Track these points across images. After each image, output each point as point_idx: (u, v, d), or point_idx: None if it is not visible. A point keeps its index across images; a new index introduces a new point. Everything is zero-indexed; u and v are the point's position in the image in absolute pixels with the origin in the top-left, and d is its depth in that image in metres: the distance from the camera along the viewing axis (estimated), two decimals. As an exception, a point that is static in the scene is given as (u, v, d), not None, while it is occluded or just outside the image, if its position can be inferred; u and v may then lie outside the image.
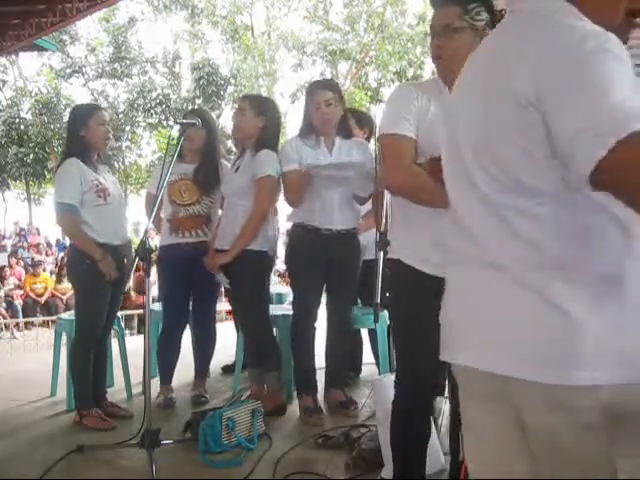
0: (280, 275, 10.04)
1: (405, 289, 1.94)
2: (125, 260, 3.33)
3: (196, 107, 16.96)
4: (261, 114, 3.33)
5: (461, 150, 1.11)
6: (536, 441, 1.04)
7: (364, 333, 4.00)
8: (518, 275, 1.01)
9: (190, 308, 3.66)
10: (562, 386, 0.96)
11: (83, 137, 3.21)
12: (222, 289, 4.13)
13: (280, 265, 8.01)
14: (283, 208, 3.72)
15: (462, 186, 1.11)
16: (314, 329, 3.31)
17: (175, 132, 3.31)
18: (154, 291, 6.14)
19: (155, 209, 2.83)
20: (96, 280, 3.14)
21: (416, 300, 1.87)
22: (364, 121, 3.70)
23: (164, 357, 3.65)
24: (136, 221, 14.91)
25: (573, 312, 0.96)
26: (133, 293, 9.08)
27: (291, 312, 3.60)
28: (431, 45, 1.90)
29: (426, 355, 1.78)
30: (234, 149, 4.44)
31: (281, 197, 3.48)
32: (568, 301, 0.96)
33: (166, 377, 3.63)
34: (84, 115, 3.25)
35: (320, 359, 3.38)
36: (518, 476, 1.08)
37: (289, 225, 3.46)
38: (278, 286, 7.90)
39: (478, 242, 1.08)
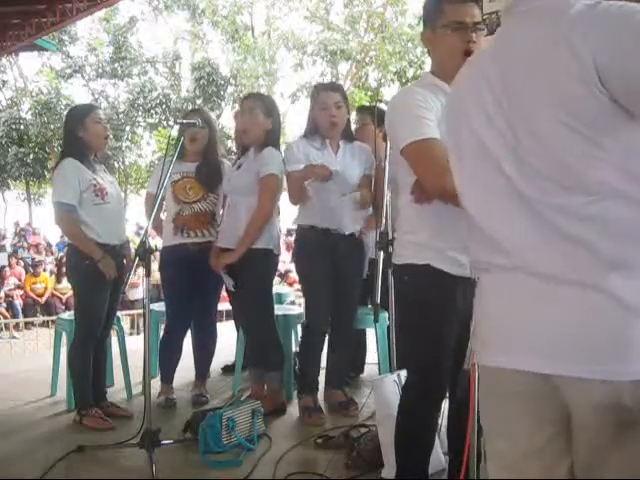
0: (280, 275, 10.04)
1: (437, 294, 1.86)
2: (124, 260, 3.34)
3: (196, 107, 16.95)
4: (270, 116, 3.32)
5: (491, 151, 1.08)
6: (581, 438, 1.03)
7: (370, 333, 3.99)
8: (564, 275, 1.00)
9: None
10: (606, 381, 0.95)
11: (81, 137, 3.22)
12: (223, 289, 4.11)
13: (280, 265, 8.03)
14: (285, 209, 3.72)
15: (490, 189, 1.10)
16: (324, 334, 3.30)
17: (175, 132, 3.31)
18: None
19: (155, 209, 2.82)
20: (95, 280, 3.14)
21: (446, 305, 1.83)
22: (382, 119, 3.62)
23: (166, 357, 3.65)
24: (137, 222, 14.91)
25: (631, 303, 0.95)
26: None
27: (291, 312, 3.60)
28: (460, 38, 1.83)
29: (449, 358, 1.79)
30: (234, 149, 4.42)
31: (282, 197, 3.47)
32: (624, 293, 0.95)
33: (167, 376, 3.63)
34: (80, 115, 3.26)
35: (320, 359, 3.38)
36: (556, 475, 1.09)
37: (292, 226, 3.44)
38: (278, 286, 7.90)
39: (504, 247, 1.07)
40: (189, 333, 3.71)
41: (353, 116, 4.02)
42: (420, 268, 1.89)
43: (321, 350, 3.32)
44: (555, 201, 1.01)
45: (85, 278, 3.18)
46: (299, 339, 3.70)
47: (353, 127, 3.61)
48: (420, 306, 1.92)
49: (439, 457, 2.40)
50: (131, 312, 9.12)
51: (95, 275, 3.13)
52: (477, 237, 1.14)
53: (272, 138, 3.32)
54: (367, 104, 15.04)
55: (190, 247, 3.50)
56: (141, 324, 8.86)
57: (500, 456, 1.16)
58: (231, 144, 7.41)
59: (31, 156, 19.14)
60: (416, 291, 1.93)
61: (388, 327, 2.89)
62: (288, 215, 3.51)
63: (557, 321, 1.00)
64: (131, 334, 8.39)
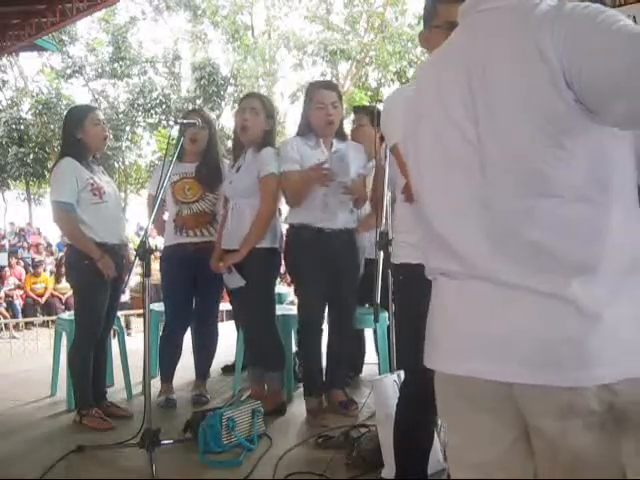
0: (280, 275, 10.01)
1: (428, 293, 1.87)
2: (124, 260, 3.34)
3: (196, 107, 16.96)
4: (270, 117, 3.33)
5: (454, 155, 1.06)
6: (544, 445, 1.02)
7: (368, 333, 4.00)
8: (524, 283, 0.98)
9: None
10: (572, 388, 0.95)
11: (80, 139, 3.23)
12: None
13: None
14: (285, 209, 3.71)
15: (451, 194, 1.08)
16: (321, 332, 3.30)
17: (175, 132, 3.32)
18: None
19: (155, 209, 2.82)
20: (94, 279, 3.14)
21: None
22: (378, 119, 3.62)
23: (165, 356, 3.66)
24: (137, 222, 14.90)
25: (592, 308, 0.95)
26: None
27: (291, 312, 3.59)
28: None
29: None
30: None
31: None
32: (585, 299, 0.95)
33: (167, 375, 3.64)
34: (79, 117, 3.27)
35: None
36: (525, 476, 1.08)
37: (285, 226, 3.43)
38: (278, 286, 7.89)
39: (462, 254, 1.06)
40: (189, 332, 3.72)
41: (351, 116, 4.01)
42: (414, 267, 1.88)
43: (319, 347, 3.31)
44: (519, 205, 0.99)
45: (84, 278, 3.18)
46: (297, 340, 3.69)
47: (348, 127, 3.61)
48: (415, 305, 1.91)
49: (439, 457, 2.40)
50: (128, 312, 9.10)
51: (94, 275, 3.13)
52: (435, 244, 1.13)
53: (270, 139, 3.33)
54: (367, 104, 15.05)
55: (189, 247, 3.51)
56: (133, 325, 8.87)
57: (463, 461, 1.15)
58: (231, 144, 7.39)
59: (31, 156, 19.12)
60: (410, 291, 1.93)
61: (388, 327, 2.90)
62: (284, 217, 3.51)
63: (518, 329, 0.99)
64: (128, 334, 8.37)
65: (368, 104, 15.34)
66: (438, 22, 1.84)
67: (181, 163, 3.51)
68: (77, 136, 3.23)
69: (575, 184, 0.96)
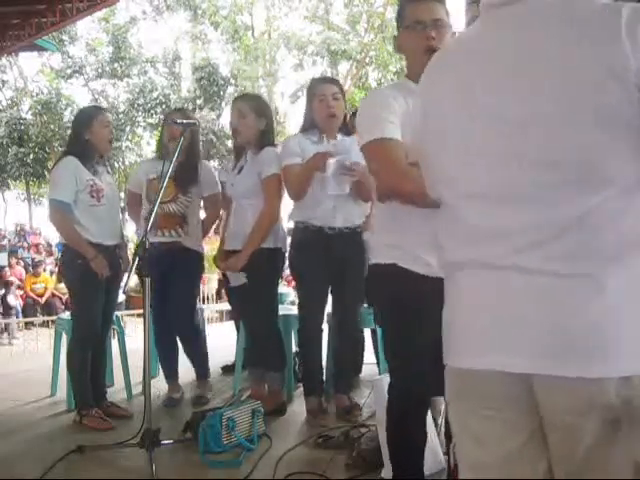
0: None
1: (404, 293, 1.84)
2: (121, 260, 3.34)
3: (195, 107, 16.97)
4: (262, 115, 3.32)
5: (492, 151, 1.06)
6: (561, 439, 1.02)
7: (366, 333, 3.99)
8: (553, 271, 0.98)
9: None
10: (595, 379, 0.95)
11: (87, 140, 3.23)
12: (216, 288, 4.12)
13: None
14: (284, 208, 3.70)
15: (489, 182, 1.08)
16: (321, 331, 3.30)
17: (166, 132, 3.30)
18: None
19: (155, 209, 2.81)
20: (89, 279, 3.14)
21: (415, 303, 1.79)
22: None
23: (162, 357, 3.68)
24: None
25: (618, 300, 0.95)
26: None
27: (291, 312, 3.58)
28: (419, 36, 1.84)
29: (422, 356, 1.78)
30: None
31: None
32: (613, 291, 0.95)
33: (168, 376, 3.65)
34: (89, 118, 3.28)
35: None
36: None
37: (290, 223, 3.42)
38: (278, 286, 7.89)
39: (487, 242, 1.06)
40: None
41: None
42: (388, 267, 1.88)
43: (320, 347, 3.30)
44: (558, 196, 0.99)
45: (78, 278, 3.19)
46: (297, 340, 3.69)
47: None
48: (391, 306, 1.92)
49: (439, 457, 2.40)
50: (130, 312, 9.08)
51: (88, 274, 3.13)
52: (457, 234, 1.12)
53: (267, 138, 3.32)
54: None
55: (160, 246, 3.45)
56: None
57: (472, 461, 1.14)
58: (231, 144, 7.39)
59: (31, 156, 19.12)
60: (384, 291, 1.93)
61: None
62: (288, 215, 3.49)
63: (541, 320, 0.99)
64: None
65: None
66: (407, 23, 1.88)
67: (161, 161, 3.47)
68: (85, 136, 3.24)
69: (618, 176, 0.97)
